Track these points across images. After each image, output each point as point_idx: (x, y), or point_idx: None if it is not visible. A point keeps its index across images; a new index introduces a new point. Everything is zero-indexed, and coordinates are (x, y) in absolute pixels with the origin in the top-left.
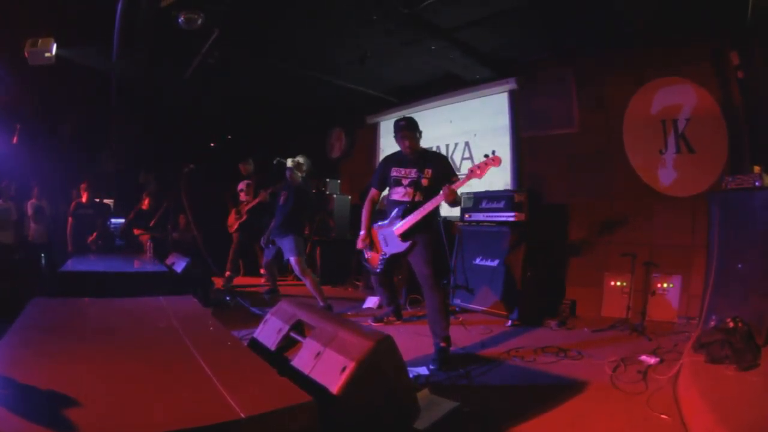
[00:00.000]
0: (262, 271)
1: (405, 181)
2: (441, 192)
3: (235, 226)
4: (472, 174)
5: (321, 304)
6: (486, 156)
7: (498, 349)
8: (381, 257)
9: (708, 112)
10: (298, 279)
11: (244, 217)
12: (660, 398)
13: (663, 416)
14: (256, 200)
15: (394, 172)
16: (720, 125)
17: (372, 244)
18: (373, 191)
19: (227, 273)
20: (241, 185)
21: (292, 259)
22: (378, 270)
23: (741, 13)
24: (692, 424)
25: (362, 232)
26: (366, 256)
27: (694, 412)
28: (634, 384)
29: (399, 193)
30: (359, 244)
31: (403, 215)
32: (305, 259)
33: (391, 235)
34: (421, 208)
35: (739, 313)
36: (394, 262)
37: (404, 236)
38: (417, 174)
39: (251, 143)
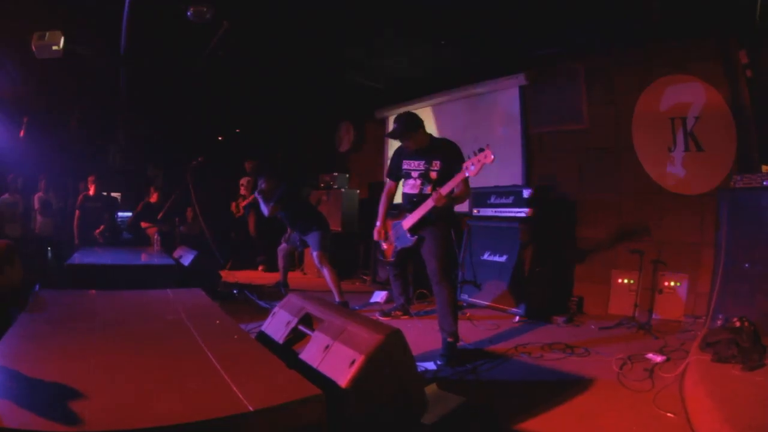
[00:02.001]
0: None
1: (414, 174)
2: (431, 196)
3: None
4: (463, 171)
5: (338, 299)
6: (480, 150)
7: (505, 344)
8: (394, 249)
9: (717, 110)
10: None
11: (241, 212)
12: (666, 396)
13: (669, 414)
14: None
15: (405, 165)
16: (729, 124)
17: (387, 236)
18: (389, 183)
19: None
20: (243, 180)
21: (315, 253)
22: (392, 261)
23: (749, 11)
24: (698, 423)
25: (378, 224)
26: (382, 247)
27: (700, 410)
28: (640, 382)
29: (409, 186)
30: (375, 236)
31: (411, 209)
32: (329, 255)
33: (401, 229)
34: (422, 206)
35: (745, 312)
36: (406, 255)
37: (412, 230)
38: (425, 166)
39: (259, 137)
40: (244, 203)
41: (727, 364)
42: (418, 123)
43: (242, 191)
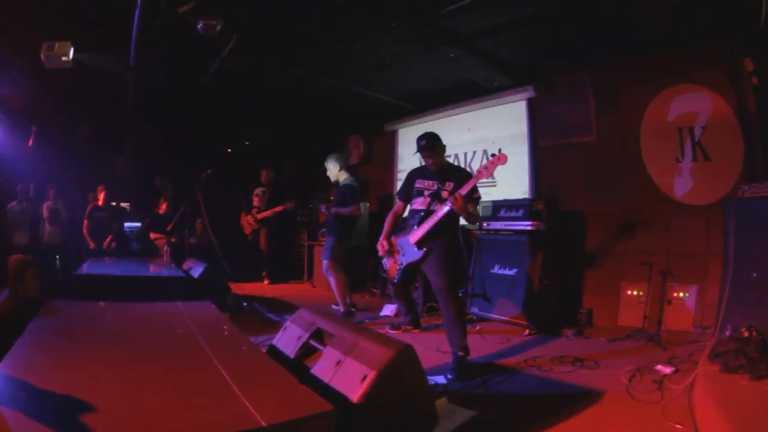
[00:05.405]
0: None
1: (426, 192)
2: (448, 200)
3: (248, 231)
4: (479, 175)
5: (342, 309)
6: (493, 155)
7: (515, 358)
8: (398, 267)
9: (724, 119)
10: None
11: (257, 226)
12: (675, 408)
13: (678, 426)
14: (276, 209)
15: (418, 184)
16: (736, 133)
17: (391, 252)
18: (398, 203)
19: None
20: (258, 191)
21: (325, 261)
22: (395, 280)
23: (754, 18)
24: None
25: (381, 239)
26: (385, 266)
27: (708, 421)
28: (649, 393)
29: (418, 203)
30: (379, 251)
31: (419, 223)
32: (339, 265)
33: (407, 243)
34: (433, 215)
35: (754, 322)
36: (411, 272)
37: (419, 244)
38: (437, 186)
39: (268, 149)
40: (260, 216)
41: (735, 375)
42: (439, 143)
43: (256, 202)
